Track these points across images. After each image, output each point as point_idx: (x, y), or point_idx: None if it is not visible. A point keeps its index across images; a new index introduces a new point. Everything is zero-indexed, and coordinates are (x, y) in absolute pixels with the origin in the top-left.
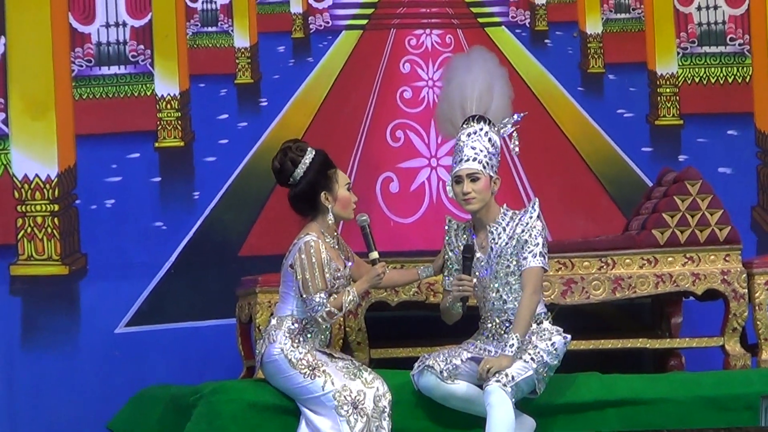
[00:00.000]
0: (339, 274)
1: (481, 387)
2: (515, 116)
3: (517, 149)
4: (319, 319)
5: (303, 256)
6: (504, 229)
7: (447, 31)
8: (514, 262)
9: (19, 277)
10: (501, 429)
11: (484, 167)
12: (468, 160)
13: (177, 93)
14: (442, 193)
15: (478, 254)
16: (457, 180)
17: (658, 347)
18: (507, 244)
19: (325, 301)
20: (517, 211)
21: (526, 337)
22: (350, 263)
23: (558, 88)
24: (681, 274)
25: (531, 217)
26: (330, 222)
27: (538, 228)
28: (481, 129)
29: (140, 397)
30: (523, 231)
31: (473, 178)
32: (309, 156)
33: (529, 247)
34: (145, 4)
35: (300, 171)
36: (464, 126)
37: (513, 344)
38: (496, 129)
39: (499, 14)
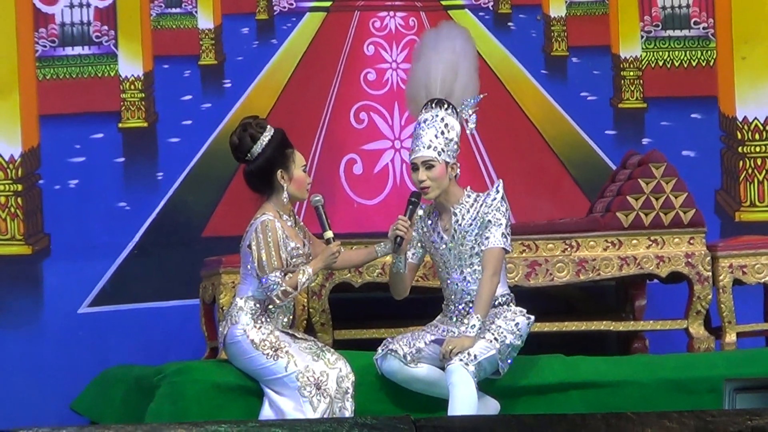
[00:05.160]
0: (297, 253)
1: (443, 369)
2: (474, 98)
3: (473, 126)
4: (275, 298)
5: (259, 235)
6: (468, 211)
7: (410, 13)
8: (478, 244)
9: None
10: (463, 407)
11: (439, 154)
12: (423, 147)
13: (141, 74)
14: (406, 175)
15: (443, 236)
16: (414, 167)
17: (622, 330)
18: (471, 225)
19: (279, 280)
20: (480, 194)
21: (489, 318)
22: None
23: (521, 71)
24: (645, 256)
25: (495, 199)
26: (284, 201)
27: (502, 209)
28: (437, 114)
29: (103, 377)
30: (487, 212)
31: (428, 165)
32: (268, 133)
33: (491, 228)
34: None
35: (258, 147)
36: (423, 110)
37: (474, 325)
38: (455, 112)
39: None
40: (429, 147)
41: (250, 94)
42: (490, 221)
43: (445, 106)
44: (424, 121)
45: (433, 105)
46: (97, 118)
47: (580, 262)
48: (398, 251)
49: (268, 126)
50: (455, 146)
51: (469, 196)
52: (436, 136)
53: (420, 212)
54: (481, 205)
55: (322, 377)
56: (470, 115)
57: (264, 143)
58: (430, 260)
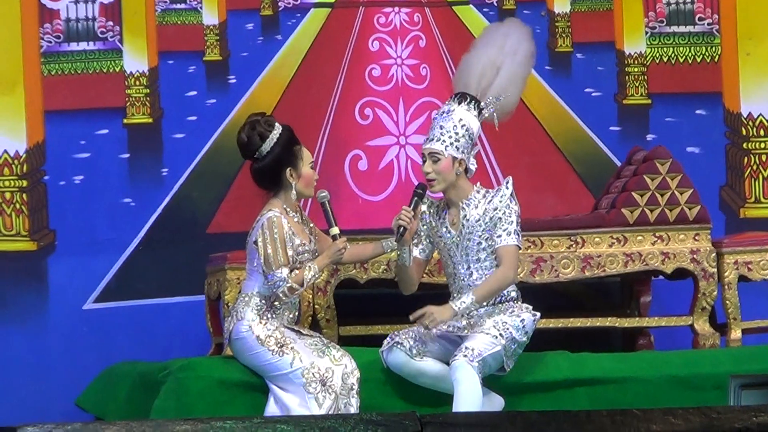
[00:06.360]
0: (303, 249)
1: (449, 364)
2: (497, 98)
3: (495, 123)
4: (281, 295)
5: (266, 232)
6: (476, 207)
7: (415, 9)
8: (485, 240)
9: None
10: (468, 403)
11: (446, 148)
12: (432, 140)
13: (146, 69)
14: (411, 170)
15: (450, 231)
16: (423, 158)
17: (627, 326)
18: (479, 221)
19: (286, 276)
20: (490, 190)
21: (495, 314)
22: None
23: None
24: (650, 253)
25: (504, 196)
26: (293, 198)
27: (512, 206)
28: (453, 108)
29: (108, 373)
30: (496, 209)
31: (435, 158)
32: (277, 131)
33: (503, 225)
34: None
35: (267, 146)
36: (445, 103)
37: (464, 302)
38: (477, 109)
39: None
40: (438, 140)
41: (254, 90)
42: (500, 218)
43: (467, 100)
44: (440, 114)
45: (454, 98)
46: (102, 114)
47: (585, 259)
48: (401, 242)
49: (276, 123)
50: (466, 142)
51: (478, 192)
52: (446, 130)
53: (423, 207)
54: (490, 201)
55: (327, 373)
56: (492, 113)
57: (273, 141)
58: (437, 256)
